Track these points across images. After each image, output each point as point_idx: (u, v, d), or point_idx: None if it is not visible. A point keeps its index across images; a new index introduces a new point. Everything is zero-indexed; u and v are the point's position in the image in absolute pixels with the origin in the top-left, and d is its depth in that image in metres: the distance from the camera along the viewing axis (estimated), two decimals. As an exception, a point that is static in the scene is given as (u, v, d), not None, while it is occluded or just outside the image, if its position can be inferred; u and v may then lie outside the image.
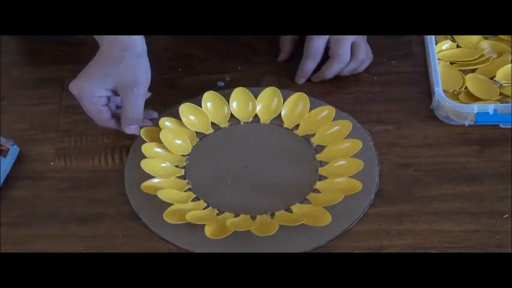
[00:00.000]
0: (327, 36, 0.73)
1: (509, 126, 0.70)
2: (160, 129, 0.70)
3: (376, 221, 0.64)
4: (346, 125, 0.70)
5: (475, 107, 0.69)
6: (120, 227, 0.65)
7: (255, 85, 0.76)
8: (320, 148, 0.70)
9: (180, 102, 0.73)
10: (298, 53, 0.80)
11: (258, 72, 0.78)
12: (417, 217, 0.64)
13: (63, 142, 0.73)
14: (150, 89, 0.75)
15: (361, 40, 0.74)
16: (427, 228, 0.64)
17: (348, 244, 0.63)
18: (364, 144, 0.69)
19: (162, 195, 0.65)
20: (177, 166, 0.70)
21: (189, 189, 0.68)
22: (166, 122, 0.71)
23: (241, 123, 0.73)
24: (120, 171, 0.69)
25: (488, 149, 0.69)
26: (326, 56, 0.75)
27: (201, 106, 0.73)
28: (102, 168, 0.70)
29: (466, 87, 0.73)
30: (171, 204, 0.65)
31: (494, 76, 0.74)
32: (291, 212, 0.65)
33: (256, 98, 0.74)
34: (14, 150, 0.70)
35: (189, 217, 0.63)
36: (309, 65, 0.74)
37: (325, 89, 0.76)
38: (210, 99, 0.74)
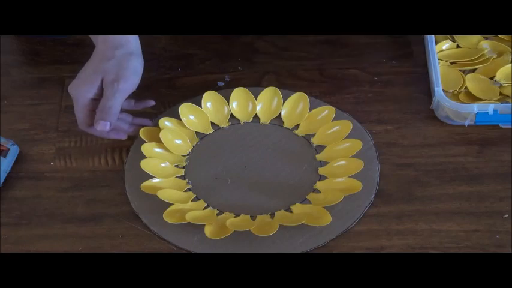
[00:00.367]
0: None
1: (509, 126, 0.70)
2: (160, 129, 0.70)
3: (376, 221, 0.64)
4: (346, 125, 0.70)
5: (475, 107, 0.69)
6: (120, 227, 0.65)
7: (255, 85, 0.76)
8: (320, 148, 0.70)
9: (180, 102, 0.73)
10: (298, 53, 0.80)
11: (258, 72, 0.78)
12: (417, 217, 0.64)
13: (63, 142, 0.73)
14: (150, 89, 0.76)
15: None
16: (427, 228, 0.64)
17: (348, 244, 0.63)
18: (364, 144, 0.69)
19: (162, 195, 0.65)
20: (177, 166, 0.70)
21: (189, 189, 0.68)
22: (166, 122, 0.71)
23: (241, 123, 0.73)
24: (120, 171, 0.69)
25: (488, 149, 0.69)
26: None
27: (201, 106, 0.73)
28: (102, 168, 0.70)
29: (466, 87, 0.73)
30: (171, 204, 0.65)
31: (494, 76, 0.74)
32: (291, 212, 0.65)
33: (256, 98, 0.74)
34: (14, 151, 0.70)
35: (189, 217, 0.63)
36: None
37: (325, 89, 0.76)
38: (210, 99, 0.74)
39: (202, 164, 0.70)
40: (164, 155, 0.69)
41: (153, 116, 0.73)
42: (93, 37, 0.66)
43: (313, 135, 0.71)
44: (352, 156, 0.68)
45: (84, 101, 0.66)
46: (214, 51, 0.81)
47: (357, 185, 0.65)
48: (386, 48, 0.79)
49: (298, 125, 0.72)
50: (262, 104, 0.74)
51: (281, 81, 0.77)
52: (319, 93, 0.75)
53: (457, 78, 0.74)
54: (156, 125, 0.71)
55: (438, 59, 0.74)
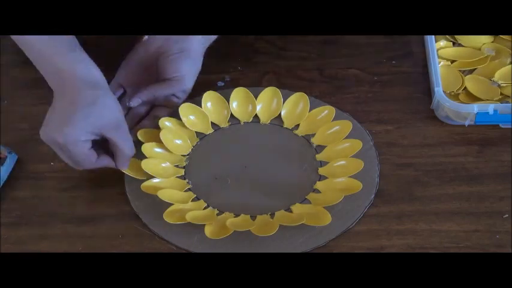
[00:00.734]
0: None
1: (509, 126, 0.70)
2: (160, 130, 0.70)
3: (376, 221, 0.64)
4: (346, 125, 0.70)
5: (475, 107, 0.69)
6: (120, 227, 0.65)
7: (255, 85, 0.76)
8: (320, 148, 0.70)
9: (180, 102, 0.73)
10: (298, 53, 0.80)
11: (258, 72, 0.78)
12: (417, 217, 0.64)
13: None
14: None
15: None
16: (427, 228, 0.64)
17: (348, 244, 0.63)
18: (364, 144, 0.69)
19: (162, 195, 0.65)
20: (177, 166, 0.70)
21: (189, 189, 0.68)
22: (166, 122, 0.71)
23: (241, 123, 0.73)
24: (120, 171, 0.69)
25: (488, 149, 0.69)
26: None
27: (201, 106, 0.73)
28: (102, 168, 0.70)
29: (465, 88, 0.73)
30: (171, 204, 0.65)
31: (493, 77, 0.74)
32: (291, 212, 0.65)
33: (256, 98, 0.74)
34: (12, 158, 0.69)
35: (189, 217, 0.63)
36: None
37: (325, 89, 0.76)
38: (210, 99, 0.74)
39: (202, 164, 0.70)
40: (164, 155, 0.69)
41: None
42: (51, 78, 0.63)
43: (313, 135, 0.71)
44: (352, 156, 0.68)
45: (80, 144, 0.62)
46: (214, 51, 0.80)
47: (357, 185, 0.65)
48: (386, 48, 0.79)
49: (298, 125, 0.72)
50: (262, 104, 0.74)
51: (281, 81, 0.77)
52: (319, 93, 0.75)
53: (456, 79, 0.74)
54: (156, 125, 0.71)
55: (438, 57, 0.74)
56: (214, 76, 0.78)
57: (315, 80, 0.77)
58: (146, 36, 0.71)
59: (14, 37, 0.64)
